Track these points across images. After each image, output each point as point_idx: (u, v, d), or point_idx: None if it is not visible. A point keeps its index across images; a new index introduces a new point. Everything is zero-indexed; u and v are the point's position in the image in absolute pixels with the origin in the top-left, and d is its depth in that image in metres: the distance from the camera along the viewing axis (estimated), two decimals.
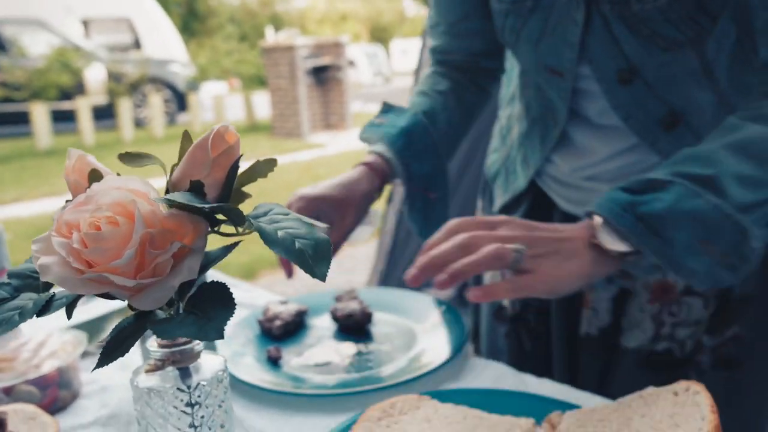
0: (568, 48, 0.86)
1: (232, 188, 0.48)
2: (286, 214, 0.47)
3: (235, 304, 0.43)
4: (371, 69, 23.42)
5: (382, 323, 1.01)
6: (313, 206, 0.94)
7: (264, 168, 0.50)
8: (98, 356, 0.43)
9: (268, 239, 0.43)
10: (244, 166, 0.49)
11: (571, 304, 1.02)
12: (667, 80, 0.84)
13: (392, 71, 24.77)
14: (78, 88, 11.04)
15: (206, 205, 0.44)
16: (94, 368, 0.42)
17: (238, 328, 1.00)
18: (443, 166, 1.03)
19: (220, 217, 0.47)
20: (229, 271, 3.70)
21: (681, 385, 0.56)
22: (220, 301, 0.43)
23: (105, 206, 0.44)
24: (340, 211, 0.96)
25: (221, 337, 0.40)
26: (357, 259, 4.60)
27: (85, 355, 0.99)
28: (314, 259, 0.42)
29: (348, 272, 4.38)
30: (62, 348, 0.89)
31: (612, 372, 0.98)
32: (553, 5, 0.85)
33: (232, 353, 0.92)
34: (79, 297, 0.46)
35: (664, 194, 0.68)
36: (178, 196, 0.44)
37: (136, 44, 14.19)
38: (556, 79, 0.91)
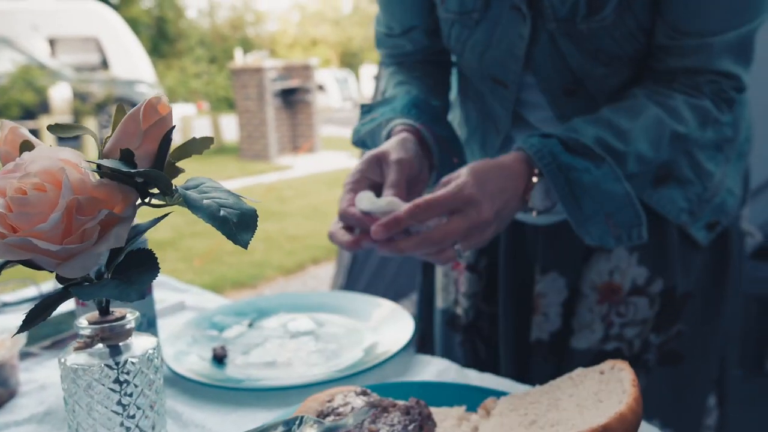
0: (514, 60, 0.88)
1: (164, 160, 0.49)
2: (217, 188, 0.47)
3: (158, 268, 0.43)
4: (341, 94, 23.55)
5: (330, 324, 1.01)
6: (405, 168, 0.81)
7: (200, 145, 0.51)
8: (39, 356, 0.43)
9: (194, 206, 0.43)
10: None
11: (521, 311, 1.04)
12: (607, 91, 0.87)
13: (361, 96, 24.94)
14: (42, 107, 10.89)
15: (132, 170, 0.44)
16: (16, 333, 0.42)
17: (186, 328, 0.99)
18: (455, 132, 0.98)
19: (152, 190, 0.48)
20: None
21: (607, 364, 0.58)
22: (145, 265, 0.43)
23: (33, 173, 0.45)
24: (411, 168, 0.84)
25: (142, 297, 0.41)
26: (320, 279, 4.59)
27: (27, 356, 0.97)
28: (238, 226, 0.43)
29: (312, 291, 4.35)
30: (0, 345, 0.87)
31: (563, 374, 0.99)
32: (499, 19, 0.87)
33: (176, 352, 0.91)
34: (4, 264, 0.46)
35: (594, 169, 0.77)
36: (106, 163, 0.44)
37: (104, 64, 14.07)
38: (500, 89, 0.93)
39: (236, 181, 8.11)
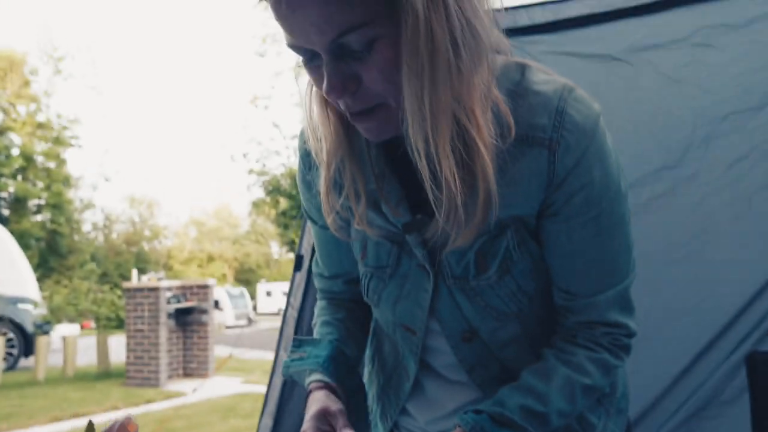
0: (420, 310, 1.00)
1: None
2: None
3: None
4: (234, 311, 23.32)
5: None
6: None
7: None
8: None
9: None
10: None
11: None
12: (500, 341, 1.00)
13: (256, 313, 24.78)
14: None
15: None
16: None
17: None
18: (363, 387, 1.09)
19: None
20: None
21: None
22: None
23: None
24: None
25: None
26: None
27: None
28: None
29: None
30: None
31: None
32: (408, 274, 1.00)
33: None
34: None
35: None
36: None
37: None
38: (409, 335, 1.04)
39: (121, 412, 7.62)
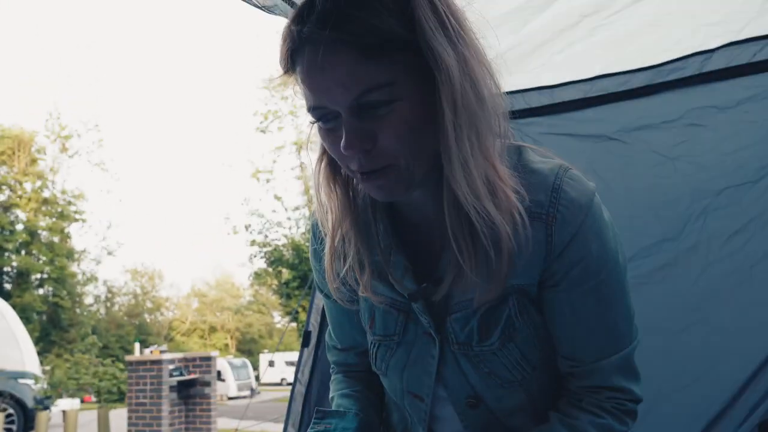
0: (427, 376, 1.03)
1: None
2: None
3: None
4: (237, 382, 22.98)
5: None
6: None
7: None
8: None
9: None
10: None
11: None
12: (505, 409, 1.02)
13: (259, 383, 24.38)
14: None
15: None
16: None
17: None
18: None
19: None
20: None
21: None
22: None
23: None
24: None
25: None
26: None
27: None
28: None
29: None
30: None
31: None
32: (415, 341, 1.02)
33: None
34: None
35: None
36: None
37: None
38: (417, 402, 1.06)
39: None
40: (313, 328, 2.57)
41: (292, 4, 1.51)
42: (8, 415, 10.98)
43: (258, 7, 1.47)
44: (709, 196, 2.01)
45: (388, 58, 0.78)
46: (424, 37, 0.78)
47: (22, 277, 25.29)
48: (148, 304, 33.88)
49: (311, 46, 0.78)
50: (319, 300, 1.91)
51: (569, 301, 0.93)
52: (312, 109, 0.83)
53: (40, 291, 25.70)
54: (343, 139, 0.81)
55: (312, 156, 0.96)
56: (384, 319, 1.05)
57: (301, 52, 0.80)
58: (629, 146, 2.07)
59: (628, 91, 2.04)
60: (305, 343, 2.59)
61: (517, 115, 2.18)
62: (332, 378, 1.26)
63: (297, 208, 25.37)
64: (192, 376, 10.29)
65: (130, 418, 9.86)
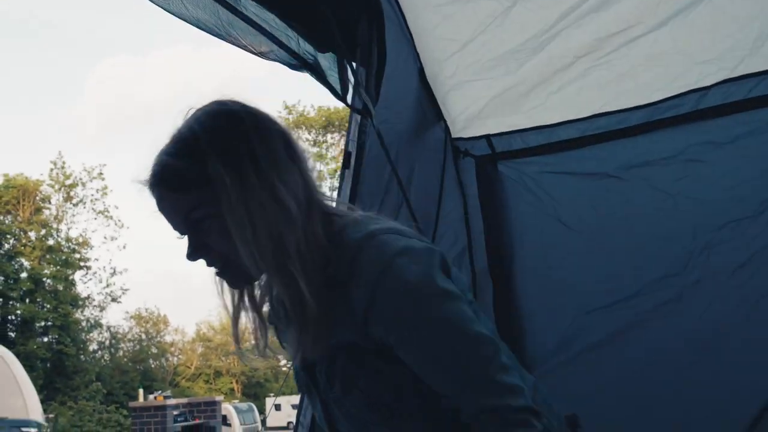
0: (321, 418, 1.14)
1: None
2: None
3: None
4: (243, 426, 22.71)
5: None
6: None
7: None
8: None
9: None
10: None
11: None
12: None
13: (265, 427, 24.11)
14: None
15: None
16: None
17: None
18: None
19: None
20: None
21: None
22: None
23: None
24: None
25: None
26: None
27: None
28: None
29: None
30: None
31: None
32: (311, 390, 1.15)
33: None
34: None
35: None
36: None
37: None
38: None
39: None
40: None
41: (287, 49, 1.54)
42: None
43: (255, 53, 1.50)
44: (711, 231, 2.01)
45: (194, 190, 1.02)
46: (209, 174, 1.00)
47: (26, 324, 25.19)
48: (153, 350, 33.65)
49: (150, 192, 1.06)
50: None
51: (407, 354, 1.01)
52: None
53: (45, 338, 25.58)
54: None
55: None
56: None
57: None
58: (629, 183, 2.08)
59: (626, 128, 2.06)
60: None
61: (515, 155, 2.23)
62: None
63: None
64: (197, 421, 10.19)
65: None
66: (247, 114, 1.06)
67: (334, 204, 1.14)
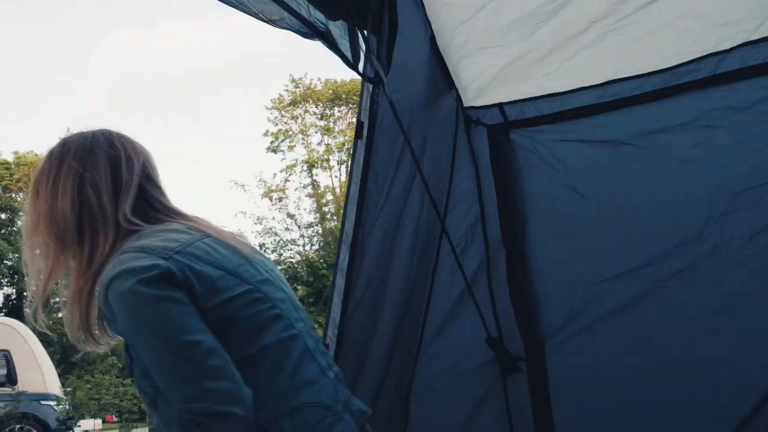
0: None
1: None
2: None
3: None
4: None
5: None
6: None
7: None
8: None
9: None
10: None
11: None
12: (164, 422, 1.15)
13: None
14: None
15: None
16: None
17: None
18: None
19: None
20: None
21: None
22: None
23: None
24: None
25: None
26: None
27: None
28: None
29: None
30: None
31: None
32: None
33: None
34: None
35: None
36: None
37: (10, 379, 13.45)
38: None
39: None
40: (330, 341, 2.56)
41: (298, 17, 1.52)
42: None
43: (265, 21, 1.48)
44: (728, 198, 1.98)
45: None
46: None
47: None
48: None
49: None
50: (335, 313, 1.91)
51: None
52: None
53: (60, 314, 25.87)
54: None
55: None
56: None
57: None
58: (644, 151, 2.05)
59: (642, 95, 2.01)
60: None
61: (528, 123, 2.20)
62: None
63: (310, 225, 25.41)
64: None
65: None
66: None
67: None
